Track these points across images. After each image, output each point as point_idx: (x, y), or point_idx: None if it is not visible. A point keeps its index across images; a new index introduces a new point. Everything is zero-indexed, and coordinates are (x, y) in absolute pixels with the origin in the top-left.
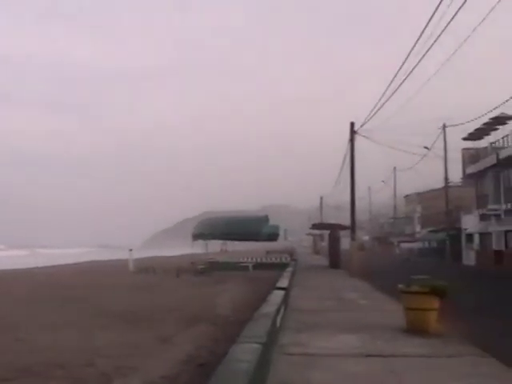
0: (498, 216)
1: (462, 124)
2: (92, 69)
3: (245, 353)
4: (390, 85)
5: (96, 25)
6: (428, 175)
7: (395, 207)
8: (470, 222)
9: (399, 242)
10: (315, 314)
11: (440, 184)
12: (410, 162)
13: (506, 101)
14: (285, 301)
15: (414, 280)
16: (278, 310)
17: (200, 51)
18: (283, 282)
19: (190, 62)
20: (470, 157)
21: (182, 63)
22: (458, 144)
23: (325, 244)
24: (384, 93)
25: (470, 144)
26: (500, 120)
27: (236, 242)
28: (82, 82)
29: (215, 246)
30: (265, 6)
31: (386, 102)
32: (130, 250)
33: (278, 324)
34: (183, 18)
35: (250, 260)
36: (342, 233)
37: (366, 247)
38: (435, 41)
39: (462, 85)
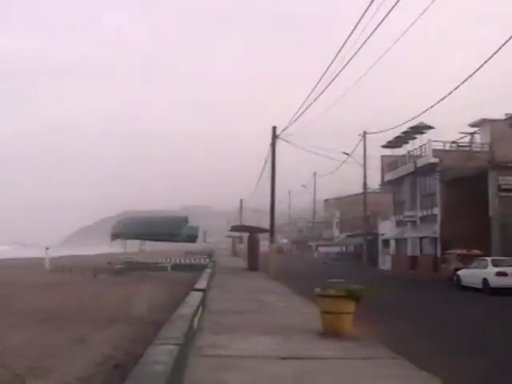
0: (413, 222)
1: (381, 132)
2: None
3: (161, 354)
4: (313, 90)
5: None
6: (348, 181)
7: (314, 211)
8: (387, 228)
9: (317, 245)
10: (233, 315)
11: (359, 190)
12: (331, 168)
13: (425, 111)
14: (203, 302)
15: (330, 284)
16: (195, 312)
17: (123, 50)
18: (201, 284)
19: (112, 60)
20: (388, 164)
21: (105, 61)
22: (377, 151)
23: (244, 246)
24: (307, 98)
25: (389, 152)
26: (418, 129)
27: (155, 243)
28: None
29: (134, 246)
30: (192, 7)
31: (308, 107)
32: (47, 248)
33: (195, 326)
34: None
35: (168, 260)
36: (261, 235)
37: (285, 250)
38: (359, 48)
39: (387, 91)
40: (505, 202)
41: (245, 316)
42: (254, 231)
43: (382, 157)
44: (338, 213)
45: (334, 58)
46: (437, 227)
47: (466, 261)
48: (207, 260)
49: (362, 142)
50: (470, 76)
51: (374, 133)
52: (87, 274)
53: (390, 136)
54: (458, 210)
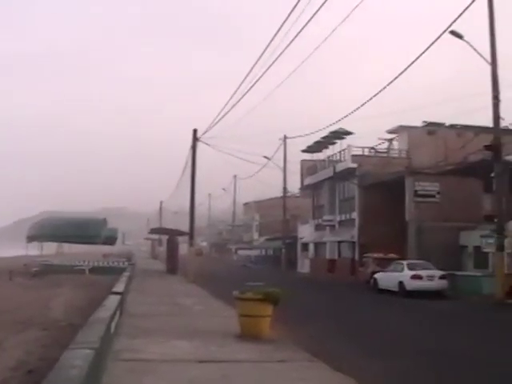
0: (332, 226)
1: (301, 136)
2: None
3: (77, 359)
4: (234, 93)
5: None
6: (268, 184)
7: (234, 214)
8: (306, 232)
9: (237, 248)
10: (151, 319)
11: (279, 193)
12: (252, 171)
13: (344, 117)
14: (120, 306)
15: (248, 287)
16: (112, 315)
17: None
18: (119, 287)
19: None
20: (308, 168)
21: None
22: (297, 156)
23: (163, 249)
24: (228, 101)
25: (308, 156)
26: (338, 134)
27: (73, 245)
28: None
29: (51, 248)
30: (113, 4)
31: (229, 111)
32: None
33: (112, 329)
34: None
35: (86, 263)
36: (181, 238)
37: (204, 253)
38: (281, 53)
39: (309, 96)
40: (420, 207)
41: (163, 319)
42: (173, 234)
43: (302, 161)
44: (258, 216)
45: (256, 62)
46: (355, 231)
47: (383, 264)
48: (126, 263)
49: (282, 146)
50: (389, 84)
51: (294, 137)
52: (2, 277)
53: (311, 141)
54: (376, 215)
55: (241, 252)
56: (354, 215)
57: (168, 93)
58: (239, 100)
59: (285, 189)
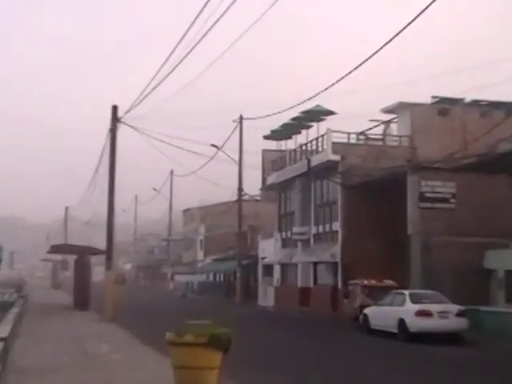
0: (305, 242)
1: (263, 117)
2: None
3: None
4: (166, 61)
5: None
6: (218, 184)
7: (171, 225)
8: (270, 249)
9: (174, 273)
10: (47, 375)
11: (232, 196)
12: (195, 165)
13: (324, 90)
14: (4, 358)
15: (188, 326)
16: None
17: None
18: (3, 330)
19: None
20: (272, 162)
21: None
22: (258, 144)
23: (69, 274)
24: (161, 68)
25: (273, 145)
26: (313, 115)
27: None
28: None
29: None
30: None
31: (163, 81)
32: None
33: None
34: None
35: None
36: (95, 259)
37: (129, 280)
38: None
39: (274, 65)
40: (428, 216)
41: (65, 375)
42: (83, 253)
43: (265, 152)
44: (203, 228)
45: (197, 16)
46: (337, 249)
47: (376, 294)
48: (14, 295)
49: (237, 131)
50: (382, 46)
51: (254, 118)
52: None
53: (276, 124)
54: (365, 226)
55: (179, 278)
56: (336, 226)
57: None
58: (175, 67)
59: (240, 190)
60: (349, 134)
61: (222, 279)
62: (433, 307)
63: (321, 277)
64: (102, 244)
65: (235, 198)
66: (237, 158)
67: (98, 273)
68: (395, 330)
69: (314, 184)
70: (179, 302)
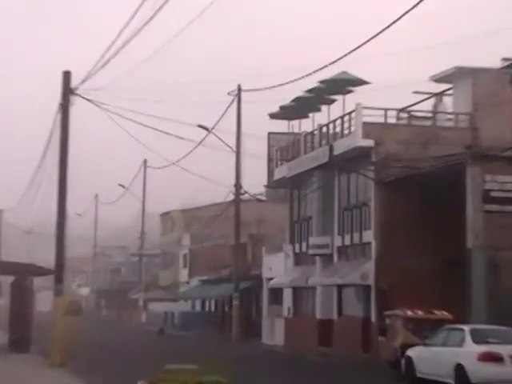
0: (327, 257)
1: (269, 88)
2: None
3: None
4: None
5: None
6: (207, 179)
7: (144, 235)
8: (278, 267)
9: (148, 300)
10: None
11: (227, 195)
12: (178, 154)
13: (352, 51)
14: None
15: (168, 372)
16: None
17: None
18: None
19: None
20: (281, 149)
21: None
22: (263, 127)
23: (4, 302)
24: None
25: (283, 126)
26: (338, 85)
27: None
28: None
29: None
30: None
31: (127, 45)
32: None
33: None
34: None
35: None
36: (40, 281)
37: (86, 309)
38: None
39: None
40: (495, 223)
41: None
42: (23, 273)
43: (271, 136)
44: (188, 238)
45: None
46: (370, 267)
47: (423, 330)
48: None
49: (234, 105)
50: None
51: (256, 90)
52: None
53: (286, 98)
54: (408, 236)
55: (155, 306)
56: (369, 236)
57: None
58: (149, 20)
59: (238, 186)
60: (386, 110)
61: (213, 308)
62: (503, 349)
63: (348, 305)
64: (49, 261)
65: (231, 197)
66: (233, 143)
67: (43, 300)
68: (451, 381)
69: (339, 179)
70: (156, 341)
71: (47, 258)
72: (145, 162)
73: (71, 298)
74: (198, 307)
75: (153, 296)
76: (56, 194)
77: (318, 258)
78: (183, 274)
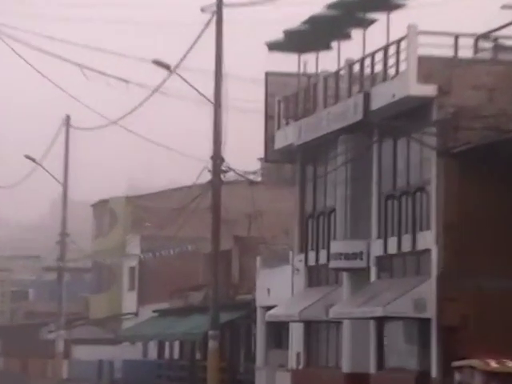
0: (358, 274)
1: (251, 5)
2: None
3: None
4: None
5: None
6: (168, 148)
7: (65, 236)
8: (281, 289)
9: (71, 342)
10: None
11: (198, 175)
12: (123, 107)
13: None
14: None
15: None
16: None
17: None
18: None
19: None
20: (287, 99)
21: None
22: (258, 64)
23: None
24: None
25: (289, 63)
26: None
27: None
28: None
29: None
30: None
31: None
32: None
33: None
34: None
35: None
36: None
37: None
38: None
39: None
40: None
41: None
42: None
43: (270, 77)
44: (138, 242)
45: None
46: (428, 289)
47: None
48: None
49: (209, 34)
50: None
51: (246, 5)
52: None
53: (293, 19)
54: (490, 241)
55: (83, 352)
56: (427, 240)
57: None
58: None
59: (217, 160)
60: (457, 38)
61: (176, 355)
62: None
63: (393, 352)
64: None
65: (206, 178)
66: (208, 92)
67: None
68: None
69: (379, 149)
70: None
71: None
72: (67, 119)
73: None
74: (152, 353)
75: (80, 336)
76: None
77: (344, 274)
78: (129, 301)
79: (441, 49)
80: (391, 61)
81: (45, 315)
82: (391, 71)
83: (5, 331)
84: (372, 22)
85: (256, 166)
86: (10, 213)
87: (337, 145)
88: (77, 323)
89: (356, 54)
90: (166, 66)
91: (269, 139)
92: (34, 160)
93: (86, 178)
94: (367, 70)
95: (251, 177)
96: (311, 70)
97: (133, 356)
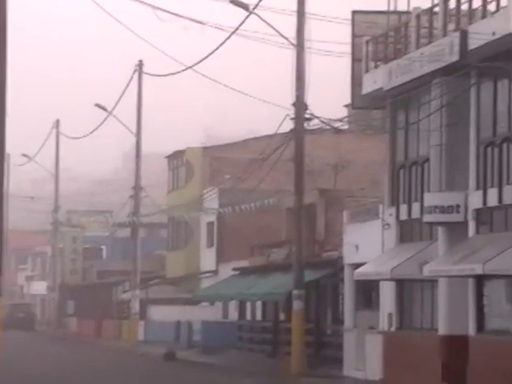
0: (456, 227)
1: None
2: None
3: None
4: None
5: None
6: (245, 93)
7: (139, 189)
8: (371, 245)
9: (146, 302)
10: None
11: (280, 123)
12: (190, 51)
13: None
14: None
15: None
16: None
17: None
18: None
19: None
20: (374, 41)
21: None
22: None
23: None
24: None
25: (377, 1)
26: None
27: None
28: None
29: None
30: None
31: None
32: None
33: None
34: None
35: None
36: None
37: (41, 319)
38: None
39: None
40: None
41: None
42: None
43: (357, 16)
44: (216, 196)
45: None
46: None
47: None
48: None
49: None
50: None
51: None
52: None
53: None
54: None
55: (160, 312)
56: None
57: None
58: None
59: (300, 107)
60: None
61: (258, 316)
62: None
63: (495, 313)
64: None
65: (288, 126)
66: (290, 33)
67: None
68: None
69: (477, 92)
70: (160, 373)
71: None
72: (140, 64)
73: (15, 299)
74: (232, 314)
75: (156, 295)
76: None
77: (440, 229)
78: (207, 259)
79: None
80: None
81: (118, 274)
82: (491, 7)
83: (78, 291)
84: None
85: (342, 112)
86: (81, 166)
87: (431, 88)
88: (152, 282)
89: None
90: (244, 6)
91: (356, 84)
92: (105, 109)
93: (160, 128)
94: (464, 6)
95: (337, 125)
96: (402, 7)
97: (212, 317)
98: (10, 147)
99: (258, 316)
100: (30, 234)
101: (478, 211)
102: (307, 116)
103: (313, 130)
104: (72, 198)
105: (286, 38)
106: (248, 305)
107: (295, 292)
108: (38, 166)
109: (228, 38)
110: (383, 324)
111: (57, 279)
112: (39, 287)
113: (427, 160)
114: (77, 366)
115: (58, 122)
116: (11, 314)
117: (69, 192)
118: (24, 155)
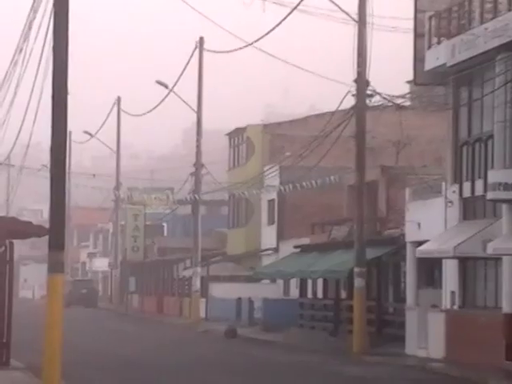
0: None
1: None
2: None
3: None
4: None
5: None
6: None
7: (200, 166)
8: (433, 223)
9: (208, 279)
10: None
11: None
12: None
13: None
14: None
15: None
16: None
17: None
18: None
19: None
20: (438, 15)
21: None
22: None
23: None
24: None
25: None
26: None
27: None
28: None
29: None
30: None
31: None
32: None
33: None
34: None
35: None
36: (23, 246)
37: (103, 295)
38: None
39: None
40: None
41: None
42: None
43: None
44: (277, 173)
45: None
46: None
47: None
48: None
49: None
50: None
51: None
52: None
53: None
54: None
55: (221, 290)
56: None
57: None
58: None
59: (362, 84)
60: None
61: (320, 294)
62: None
63: None
64: (37, 212)
65: (350, 103)
66: (352, 9)
67: (30, 279)
68: None
69: None
70: (222, 350)
71: (34, 209)
72: (201, 41)
73: (77, 276)
74: (293, 291)
75: (217, 273)
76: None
77: (504, 206)
78: (268, 236)
79: None
80: None
81: (179, 251)
82: None
83: (139, 268)
84: None
85: (404, 89)
86: (142, 143)
87: (495, 64)
88: (213, 260)
89: None
90: None
91: (418, 60)
92: (166, 86)
93: (221, 105)
94: None
95: (399, 101)
96: None
97: (273, 294)
98: (71, 125)
99: (319, 294)
100: (92, 211)
101: None
102: (369, 92)
103: (374, 106)
104: (133, 175)
105: (347, 14)
106: (309, 282)
107: (356, 270)
108: (100, 144)
109: (289, 13)
110: (446, 302)
111: (118, 256)
112: (101, 264)
113: (491, 136)
114: (146, 344)
115: (119, 99)
116: (74, 290)
117: (130, 169)
118: (86, 132)
